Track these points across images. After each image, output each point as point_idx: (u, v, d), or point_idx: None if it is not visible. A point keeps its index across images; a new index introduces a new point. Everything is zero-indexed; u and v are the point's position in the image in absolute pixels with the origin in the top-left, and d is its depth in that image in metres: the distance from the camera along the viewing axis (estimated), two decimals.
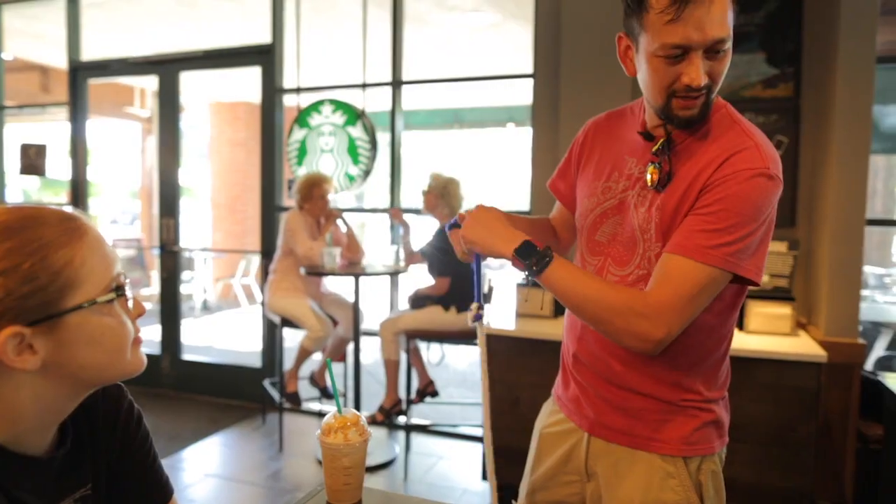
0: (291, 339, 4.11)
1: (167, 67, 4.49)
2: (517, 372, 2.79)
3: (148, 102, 8.20)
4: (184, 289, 5.47)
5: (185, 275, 7.32)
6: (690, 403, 1.18)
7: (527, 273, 1.13)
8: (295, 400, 3.72)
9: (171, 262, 4.57)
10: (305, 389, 3.86)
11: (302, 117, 4.06)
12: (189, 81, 5.66)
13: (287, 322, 3.61)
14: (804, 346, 2.51)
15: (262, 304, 3.84)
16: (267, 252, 4.16)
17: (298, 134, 4.08)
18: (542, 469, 1.35)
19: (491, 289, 3.55)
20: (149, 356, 1.08)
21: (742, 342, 2.56)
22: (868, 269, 6.29)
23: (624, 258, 1.19)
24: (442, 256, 3.46)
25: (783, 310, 2.69)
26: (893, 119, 3.53)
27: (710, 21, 1.01)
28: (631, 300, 1.06)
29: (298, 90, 4.16)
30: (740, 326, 2.75)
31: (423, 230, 3.67)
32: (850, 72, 2.65)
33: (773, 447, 2.46)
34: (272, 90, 4.15)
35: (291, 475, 3.31)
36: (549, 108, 3.27)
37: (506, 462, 2.94)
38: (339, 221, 3.71)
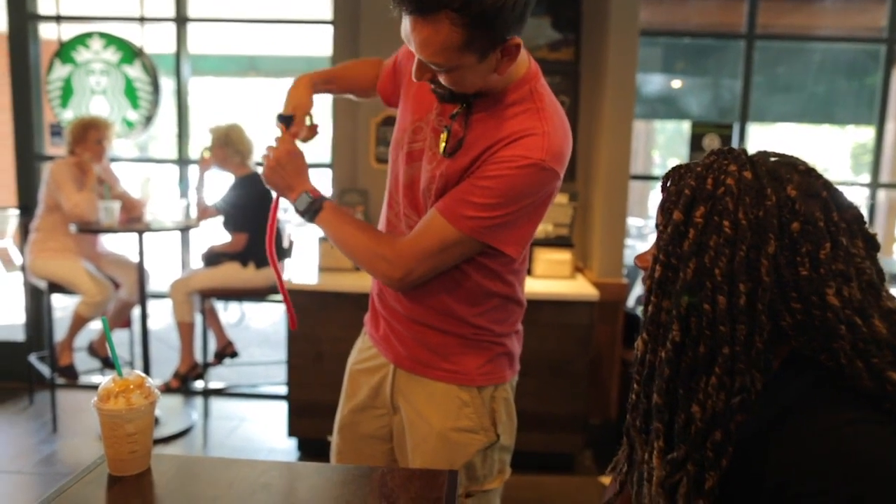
0: (64, 307, 3.64)
1: None
2: (320, 326, 2.76)
3: None
4: None
5: None
6: (482, 337, 1.27)
7: (304, 218, 1.25)
8: (70, 374, 3.31)
9: None
10: (83, 361, 3.45)
11: (65, 51, 3.52)
12: None
13: (56, 287, 3.17)
14: (581, 288, 2.82)
15: (24, 267, 3.33)
16: (26, 208, 3.58)
17: (61, 71, 3.53)
18: (352, 404, 1.39)
19: (291, 243, 3.45)
20: None
21: (529, 286, 2.78)
22: (630, 221, 7.21)
23: (418, 207, 1.24)
24: (238, 211, 3.27)
25: (564, 255, 2.98)
26: (651, 87, 4.03)
27: (416, 40, 1.01)
28: (379, 245, 1.21)
29: (59, 18, 3.58)
30: (528, 272, 2.99)
31: (218, 185, 3.43)
32: (619, 43, 2.95)
33: (555, 379, 2.75)
34: (23, 16, 3.52)
35: (69, 457, 2.97)
36: (349, 57, 3.20)
37: (311, 418, 2.95)
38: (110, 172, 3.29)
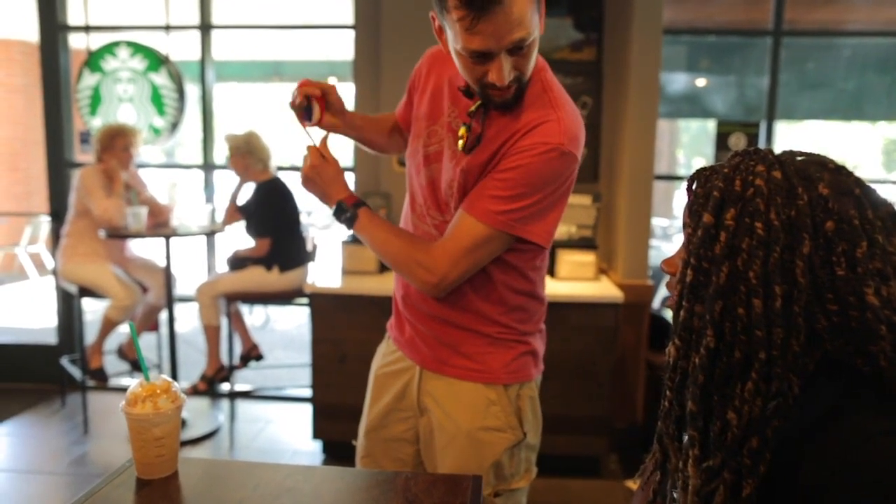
0: (94, 311, 3.71)
1: None
2: (344, 329, 2.78)
3: None
4: None
5: None
6: (507, 336, 1.28)
7: (344, 225, 1.27)
8: (100, 376, 3.37)
9: None
10: (112, 364, 3.52)
11: (94, 60, 3.59)
12: None
13: (86, 291, 3.23)
14: (605, 290, 2.79)
15: (55, 272, 3.40)
16: (57, 214, 3.67)
17: (90, 79, 3.60)
18: (378, 408, 1.40)
19: (315, 247, 3.48)
20: None
21: (553, 288, 2.77)
22: (654, 221, 7.14)
23: (441, 206, 1.26)
24: (262, 217, 3.30)
25: (588, 257, 2.96)
26: (676, 86, 3.98)
27: (508, 27, 1.00)
28: (414, 250, 1.21)
29: (87, 28, 3.66)
30: (552, 274, 2.97)
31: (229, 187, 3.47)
32: (642, 42, 2.91)
33: (578, 381, 2.72)
34: (54, 27, 3.60)
35: (99, 458, 3.02)
36: (370, 61, 3.22)
37: (334, 420, 2.97)
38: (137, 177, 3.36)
